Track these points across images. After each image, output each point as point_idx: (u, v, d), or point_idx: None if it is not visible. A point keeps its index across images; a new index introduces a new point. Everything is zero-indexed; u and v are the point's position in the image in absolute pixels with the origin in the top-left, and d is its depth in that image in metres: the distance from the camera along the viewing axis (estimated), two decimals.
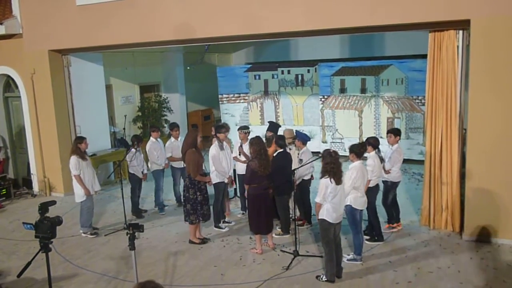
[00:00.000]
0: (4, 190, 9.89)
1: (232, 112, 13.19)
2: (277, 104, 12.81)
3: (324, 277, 5.66)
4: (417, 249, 6.49)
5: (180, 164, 8.22)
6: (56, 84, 9.74)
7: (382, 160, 6.73)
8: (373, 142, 6.62)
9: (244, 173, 6.84)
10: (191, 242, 7.01)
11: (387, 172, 6.87)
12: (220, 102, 13.33)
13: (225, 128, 7.68)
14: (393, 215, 7.18)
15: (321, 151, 6.01)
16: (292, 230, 6.85)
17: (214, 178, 7.37)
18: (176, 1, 8.19)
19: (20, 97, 10.20)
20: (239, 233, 7.39)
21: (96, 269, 6.36)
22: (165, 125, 12.86)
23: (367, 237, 6.75)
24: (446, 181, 6.89)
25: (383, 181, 7.00)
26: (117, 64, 12.07)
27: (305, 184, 7.38)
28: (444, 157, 6.88)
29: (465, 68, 6.73)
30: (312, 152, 7.60)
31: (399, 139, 7.02)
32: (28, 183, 10.53)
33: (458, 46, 6.64)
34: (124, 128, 12.23)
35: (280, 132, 7.80)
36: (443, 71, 6.77)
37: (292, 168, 6.69)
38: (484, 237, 6.57)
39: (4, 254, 7.04)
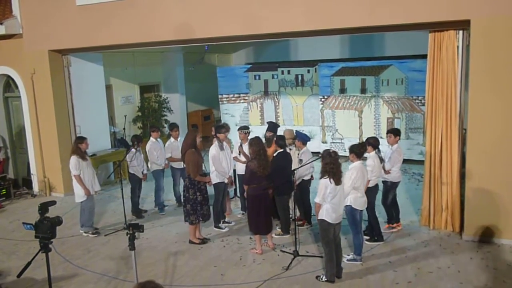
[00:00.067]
0: (4, 190, 9.89)
1: (232, 112, 13.19)
2: (277, 104, 12.81)
3: (324, 277, 5.66)
4: (417, 249, 6.49)
5: (180, 165, 8.22)
6: (56, 84, 9.74)
7: (382, 160, 6.73)
8: (373, 142, 6.62)
9: (244, 173, 6.84)
10: (191, 242, 7.01)
11: (387, 172, 6.87)
12: (220, 102, 13.33)
13: (225, 128, 7.68)
14: (393, 215, 7.18)
15: (321, 151, 6.00)
16: (292, 230, 6.85)
17: (214, 178, 7.37)
18: (176, 1, 8.19)
19: (20, 97, 10.20)
20: (239, 233, 7.39)
21: (96, 269, 6.36)
22: (165, 125, 12.86)
23: (367, 237, 6.75)
24: (446, 181, 6.89)
25: (382, 181, 7.01)
26: (117, 64, 12.07)
27: (305, 184, 7.38)
28: (444, 157, 6.88)
29: (465, 68, 6.73)
30: (312, 152, 7.61)
31: (399, 139, 7.02)
32: (28, 183, 10.52)
33: (458, 46, 6.64)
34: (124, 128, 12.23)
35: (280, 132, 7.81)
36: (443, 71, 6.77)
37: (292, 168, 6.69)
38: (484, 237, 6.57)
39: (4, 254, 7.04)
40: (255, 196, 6.42)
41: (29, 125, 10.14)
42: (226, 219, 7.86)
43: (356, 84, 11.72)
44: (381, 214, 7.34)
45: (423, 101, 10.07)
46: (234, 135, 9.92)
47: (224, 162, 7.43)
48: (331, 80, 12.00)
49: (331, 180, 5.40)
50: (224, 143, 7.57)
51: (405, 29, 7.05)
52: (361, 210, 6.03)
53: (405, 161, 7.57)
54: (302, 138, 7.31)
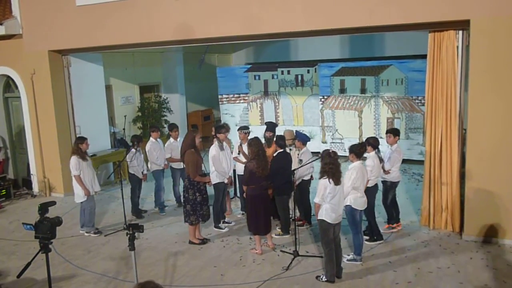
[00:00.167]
0: (4, 190, 9.89)
1: (232, 112, 13.18)
2: (277, 104, 12.81)
3: (324, 277, 5.66)
4: (417, 249, 6.49)
5: (180, 165, 8.22)
6: (56, 85, 9.74)
7: (381, 160, 6.73)
8: (373, 142, 6.62)
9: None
10: (191, 242, 7.01)
11: (386, 172, 6.87)
12: (220, 103, 13.33)
13: (225, 128, 7.69)
14: (393, 215, 7.18)
15: (321, 151, 6.00)
16: (292, 230, 6.85)
17: (214, 179, 7.36)
18: (175, 1, 8.19)
19: (20, 97, 10.20)
20: (239, 234, 7.38)
21: (96, 269, 6.36)
22: (165, 125, 12.86)
23: (367, 237, 6.75)
24: (446, 181, 6.89)
25: (382, 181, 7.01)
26: (117, 64, 12.08)
27: (305, 185, 7.38)
28: (444, 157, 6.88)
29: (464, 68, 6.73)
30: (312, 153, 7.60)
31: (398, 139, 7.03)
32: (28, 183, 10.52)
33: (457, 46, 6.64)
34: (124, 129, 12.23)
35: (279, 132, 7.80)
36: (442, 71, 6.77)
37: (292, 169, 6.69)
38: (484, 237, 6.57)
39: (4, 255, 7.03)
40: (254, 197, 6.42)
41: (29, 126, 10.14)
42: (226, 219, 7.86)
43: (356, 84, 11.72)
44: (381, 214, 7.36)
45: (423, 101, 10.07)
46: (234, 135, 9.92)
47: (224, 162, 7.43)
48: (331, 80, 12.00)
49: (330, 180, 5.41)
50: (224, 143, 7.57)
51: (405, 29, 7.05)
52: (361, 210, 6.03)
53: (405, 161, 7.58)
54: (302, 139, 7.31)
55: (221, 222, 7.66)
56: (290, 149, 7.33)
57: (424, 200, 7.16)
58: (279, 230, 7.22)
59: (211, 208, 7.23)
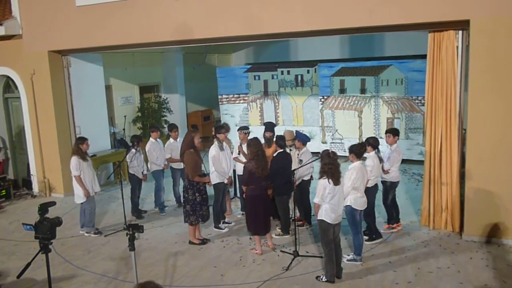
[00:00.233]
0: (4, 191, 9.88)
1: (232, 112, 13.18)
2: (276, 104, 12.81)
3: (324, 277, 5.66)
4: (417, 249, 6.49)
5: (180, 165, 8.22)
6: (56, 85, 9.74)
7: (381, 160, 6.73)
8: (373, 142, 6.62)
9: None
10: (191, 242, 7.00)
11: (386, 172, 6.87)
12: (219, 103, 13.33)
13: (225, 128, 7.69)
14: (393, 216, 7.18)
15: (321, 151, 6.01)
16: (292, 230, 6.84)
17: (214, 179, 7.36)
18: (175, 1, 8.19)
19: (20, 98, 10.19)
20: (239, 234, 7.38)
21: (96, 269, 6.36)
22: (165, 125, 12.87)
23: (367, 237, 6.74)
24: (446, 181, 6.89)
25: (382, 181, 7.00)
26: (117, 64, 12.08)
27: (305, 185, 7.38)
28: (443, 157, 6.88)
29: (464, 68, 6.73)
30: (312, 153, 7.61)
31: (398, 139, 7.03)
32: (28, 184, 10.52)
33: (457, 47, 6.64)
34: (124, 129, 12.23)
35: (279, 132, 7.80)
36: (442, 72, 6.77)
37: (292, 169, 6.69)
38: (484, 237, 6.57)
39: (4, 255, 7.03)
40: (253, 197, 6.41)
41: (29, 126, 10.14)
42: (226, 220, 7.86)
43: (356, 84, 11.72)
44: (381, 214, 7.36)
45: (422, 101, 10.07)
46: (234, 136, 9.92)
47: (224, 162, 7.43)
48: (330, 80, 12.00)
49: (330, 180, 5.41)
50: (224, 143, 7.57)
51: (405, 29, 7.06)
52: (361, 210, 6.03)
53: (405, 161, 7.58)
54: (302, 139, 7.31)
55: (221, 222, 7.66)
56: (290, 150, 7.33)
57: (424, 200, 7.16)
58: (279, 230, 7.22)
59: (211, 208, 7.23)
